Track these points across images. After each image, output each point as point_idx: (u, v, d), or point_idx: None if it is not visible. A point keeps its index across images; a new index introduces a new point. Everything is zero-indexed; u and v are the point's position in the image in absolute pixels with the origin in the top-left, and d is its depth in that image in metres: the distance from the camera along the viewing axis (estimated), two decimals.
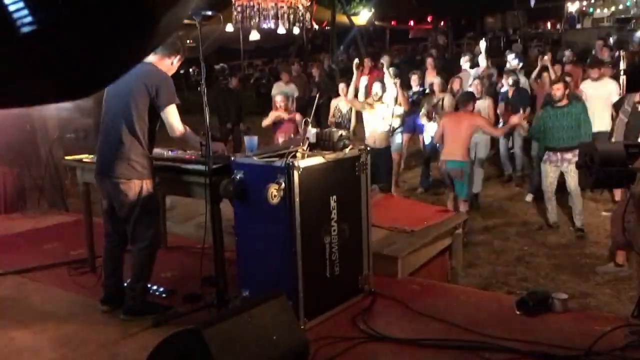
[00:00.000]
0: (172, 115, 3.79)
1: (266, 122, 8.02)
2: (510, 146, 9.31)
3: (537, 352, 3.32)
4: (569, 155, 6.61)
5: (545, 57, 9.58)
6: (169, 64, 3.92)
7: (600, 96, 7.66)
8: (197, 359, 2.84)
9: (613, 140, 6.97)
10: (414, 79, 9.22)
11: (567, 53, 11.28)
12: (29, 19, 1.11)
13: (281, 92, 9.27)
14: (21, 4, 1.10)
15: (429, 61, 11.05)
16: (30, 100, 1.44)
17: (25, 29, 1.11)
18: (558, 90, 6.75)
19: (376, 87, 7.63)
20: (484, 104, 7.95)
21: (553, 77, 8.95)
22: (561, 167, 6.74)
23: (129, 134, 3.76)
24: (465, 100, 7.12)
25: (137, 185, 3.79)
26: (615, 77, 9.16)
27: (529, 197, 8.07)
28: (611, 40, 15.27)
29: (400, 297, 4.12)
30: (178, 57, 3.95)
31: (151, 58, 3.84)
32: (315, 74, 11.17)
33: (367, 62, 11.59)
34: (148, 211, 3.86)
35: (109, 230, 4.08)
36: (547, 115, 6.85)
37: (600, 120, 7.57)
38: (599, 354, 3.25)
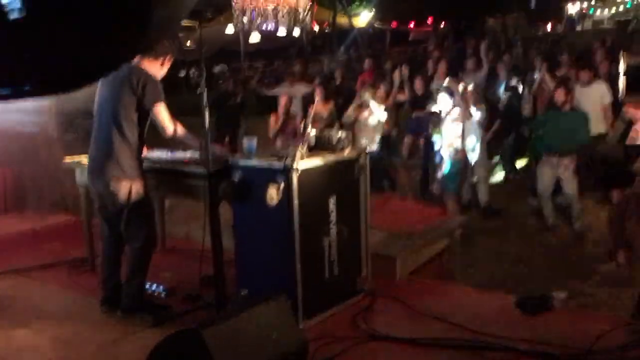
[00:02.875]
0: (160, 114, 3.81)
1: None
2: None
3: (537, 351, 3.32)
4: (566, 161, 6.59)
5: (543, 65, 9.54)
6: (158, 66, 3.92)
7: (592, 100, 7.60)
8: (196, 359, 2.84)
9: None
10: (418, 83, 9.09)
11: (564, 58, 11.17)
12: (18, 4, 1.10)
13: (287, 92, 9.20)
14: None
15: (442, 66, 10.66)
16: (17, 92, 1.43)
17: (14, 15, 1.11)
18: (559, 95, 6.72)
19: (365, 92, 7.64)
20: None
21: (550, 83, 8.93)
22: (557, 171, 6.70)
23: (118, 135, 3.79)
24: None
25: (126, 186, 3.81)
26: (613, 77, 9.15)
27: (534, 201, 7.93)
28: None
29: (400, 297, 4.12)
30: (167, 58, 3.95)
31: (139, 60, 3.87)
32: (337, 76, 11.00)
33: (367, 64, 11.51)
34: (139, 211, 3.87)
35: (105, 231, 4.08)
36: (549, 117, 6.83)
37: (596, 124, 7.53)
38: (598, 354, 3.25)
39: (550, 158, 6.78)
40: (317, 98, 8.06)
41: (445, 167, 7.12)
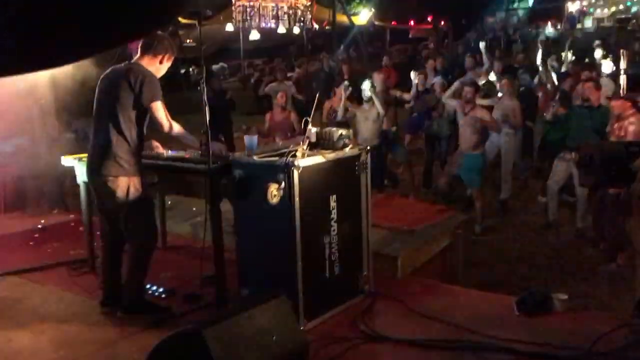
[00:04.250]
0: (158, 112, 3.81)
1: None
2: None
3: (537, 352, 3.32)
4: None
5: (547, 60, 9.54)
6: (157, 64, 3.93)
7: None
8: (196, 359, 2.83)
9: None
10: (420, 78, 9.10)
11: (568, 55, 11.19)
12: None
13: (279, 88, 9.21)
14: None
15: (430, 63, 10.94)
16: (40, 61, 1.42)
17: None
18: (589, 91, 6.62)
19: (365, 86, 7.60)
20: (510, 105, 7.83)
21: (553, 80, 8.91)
22: (572, 168, 6.60)
23: (116, 133, 3.79)
24: None
25: (125, 183, 3.81)
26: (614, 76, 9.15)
27: (544, 199, 7.88)
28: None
29: (400, 297, 4.11)
30: (166, 56, 3.96)
31: (138, 58, 3.90)
32: (345, 71, 10.98)
33: (385, 60, 11.53)
34: (138, 209, 3.87)
35: (105, 230, 4.08)
36: (574, 114, 6.76)
37: None
38: (599, 354, 3.25)
39: (567, 154, 6.71)
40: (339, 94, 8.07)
41: (465, 162, 7.04)
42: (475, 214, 7.08)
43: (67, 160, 4.78)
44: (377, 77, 8.30)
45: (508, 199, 7.80)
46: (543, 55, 9.71)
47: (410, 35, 30.51)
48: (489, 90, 8.83)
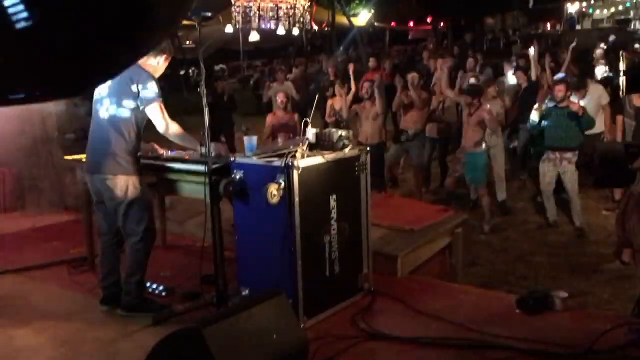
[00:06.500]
0: (156, 113, 3.82)
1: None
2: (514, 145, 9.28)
3: (538, 350, 3.32)
4: (568, 155, 6.65)
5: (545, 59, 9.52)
6: (155, 65, 3.95)
7: (590, 101, 7.57)
8: (197, 358, 2.83)
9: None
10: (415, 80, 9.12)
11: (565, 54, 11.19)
12: (24, 15, 1.11)
13: (280, 90, 9.20)
14: (17, 0, 1.10)
15: (432, 62, 10.83)
16: (24, 99, 1.44)
17: (21, 25, 1.11)
18: (560, 91, 6.74)
19: (366, 86, 7.63)
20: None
21: (549, 78, 8.91)
22: (559, 167, 6.73)
23: (115, 132, 3.81)
24: None
25: (124, 182, 3.82)
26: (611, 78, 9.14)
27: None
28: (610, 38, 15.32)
29: (400, 296, 4.12)
30: (164, 57, 3.97)
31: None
32: (330, 73, 11.05)
33: (372, 62, 11.54)
34: (137, 207, 3.88)
35: (104, 229, 4.09)
36: (549, 114, 6.85)
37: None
38: (599, 353, 3.25)
39: (550, 154, 6.79)
40: (338, 93, 8.09)
41: (468, 161, 7.05)
42: (483, 213, 7.10)
43: (66, 161, 4.79)
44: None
45: (506, 200, 7.80)
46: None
47: (409, 37, 30.54)
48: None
